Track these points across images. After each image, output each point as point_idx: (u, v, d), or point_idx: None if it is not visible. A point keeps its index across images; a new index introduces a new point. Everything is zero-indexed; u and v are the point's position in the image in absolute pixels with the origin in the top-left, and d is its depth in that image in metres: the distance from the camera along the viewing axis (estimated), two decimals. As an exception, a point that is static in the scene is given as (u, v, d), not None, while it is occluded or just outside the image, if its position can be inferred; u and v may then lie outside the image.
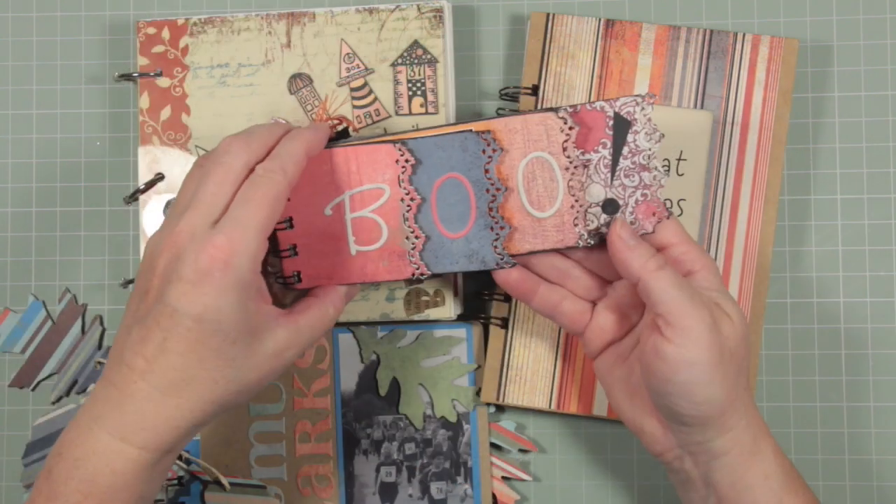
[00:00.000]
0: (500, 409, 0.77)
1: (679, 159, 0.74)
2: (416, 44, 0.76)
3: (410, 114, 0.76)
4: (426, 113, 0.75)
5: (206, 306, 0.57)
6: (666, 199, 0.74)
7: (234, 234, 0.58)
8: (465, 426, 0.76)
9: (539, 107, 0.75)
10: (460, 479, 0.76)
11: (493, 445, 0.76)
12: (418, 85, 0.76)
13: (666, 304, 0.61)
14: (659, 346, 0.61)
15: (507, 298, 0.75)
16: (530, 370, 0.75)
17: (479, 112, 0.78)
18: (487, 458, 0.76)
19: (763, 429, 0.64)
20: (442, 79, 0.75)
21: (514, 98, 0.76)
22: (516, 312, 0.75)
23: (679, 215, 0.74)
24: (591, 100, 0.75)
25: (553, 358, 0.75)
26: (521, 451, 0.77)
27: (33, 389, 0.79)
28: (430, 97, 0.75)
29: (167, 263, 0.59)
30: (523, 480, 0.77)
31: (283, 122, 0.68)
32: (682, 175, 0.74)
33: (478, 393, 0.76)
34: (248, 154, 0.62)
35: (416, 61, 0.76)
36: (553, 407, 0.75)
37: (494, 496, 0.76)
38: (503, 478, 0.76)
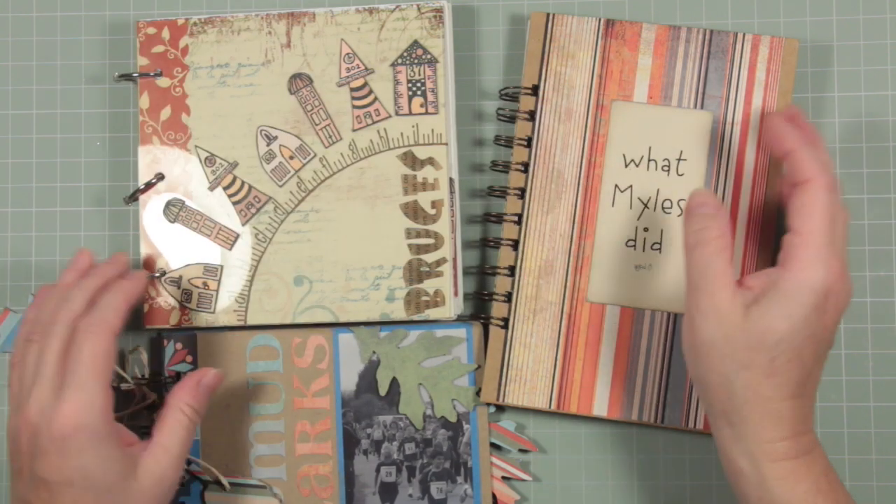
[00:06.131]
0: (501, 409, 0.77)
1: (679, 159, 0.75)
2: (416, 44, 0.76)
3: (410, 114, 0.76)
4: (426, 113, 0.75)
5: (72, 469, 0.62)
6: (666, 199, 0.75)
7: (75, 398, 0.63)
8: (465, 426, 0.76)
9: (539, 107, 0.75)
10: (460, 479, 0.76)
11: (493, 445, 0.76)
12: (418, 85, 0.76)
13: None
14: None
15: (508, 298, 0.75)
16: (530, 370, 0.75)
17: (479, 113, 0.78)
18: (487, 458, 0.76)
19: None
20: (442, 79, 0.75)
21: (514, 98, 0.76)
22: (516, 312, 0.75)
23: (679, 215, 0.74)
24: (594, 99, 0.75)
25: (553, 358, 0.75)
26: (521, 450, 0.77)
27: (33, 389, 0.79)
28: (430, 97, 0.75)
29: (28, 441, 0.64)
30: (523, 480, 0.77)
31: (88, 254, 0.73)
32: (682, 175, 0.74)
33: (478, 393, 0.76)
34: (71, 316, 0.66)
35: (416, 61, 0.76)
36: (553, 407, 0.75)
37: (494, 496, 0.76)
38: (503, 478, 0.76)
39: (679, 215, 0.74)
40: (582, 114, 0.75)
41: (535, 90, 0.75)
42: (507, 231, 0.75)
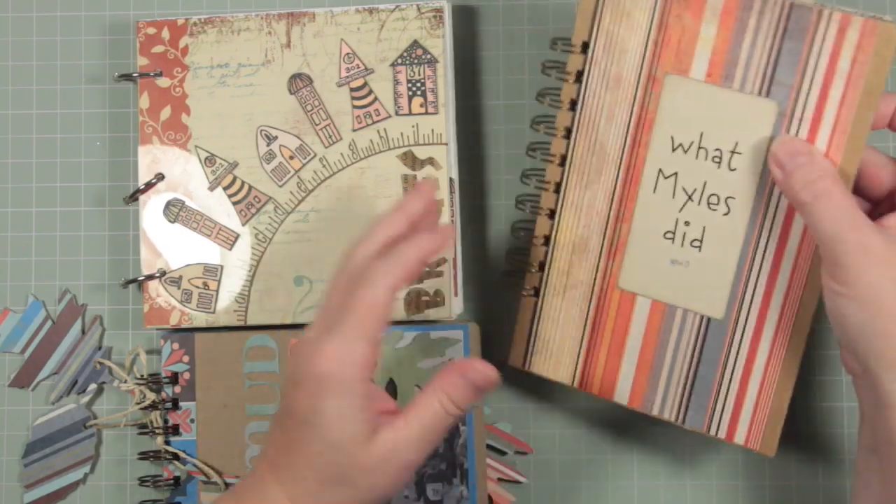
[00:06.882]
0: (498, 411, 0.77)
1: (733, 152, 0.66)
2: (415, 44, 0.76)
3: (410, 114, 0.75)
4: (426, 113, 0.75)
5: (310, 409, 0.59)
6: (713, 195, 0.67)
7: (335, 343, 0.59)
8: (462, 428, 0.75)
9: (588, 67, 0.69)
10: (456, 481, 0.75)
11: (490, 447, 0.76)
12: (418, 85, 0.75)
13: None
14: None
15: (541, 268, 0.72)
16: (556, 345, 0.72)
17: (479, 113, 0.78)
18: (484, 460, 0.75)
19: None
20: (442, 79, 0.75)
21: (554, 67, 0.70)
22: (547, 284, 0.71)
23: (725, 214, 0.67)
24: (646, 68, 0.68)
25: (580, 338, 0.71)
26: (518, 452, 0.76)
27: (33, 389, 0.79)
28: (430, 97, 0.75)
29: (292, 367, 0.62)
30: (519, 483, 0.76)
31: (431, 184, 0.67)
32: (733, 170, 0.66)
33: (505, 360, 0.74)
34: (363, 257, 0.63)
35: (415, 61, 0.76)
36: (576, 384, 0.71)
37: (491, 498, 0.76)
38: (499, 479, 0.76)
39: (725, 214, 0.67)
40: (632, 83, 0.68)
41: (584, 48, 0.69)
42: (546, 200, 0.71)
